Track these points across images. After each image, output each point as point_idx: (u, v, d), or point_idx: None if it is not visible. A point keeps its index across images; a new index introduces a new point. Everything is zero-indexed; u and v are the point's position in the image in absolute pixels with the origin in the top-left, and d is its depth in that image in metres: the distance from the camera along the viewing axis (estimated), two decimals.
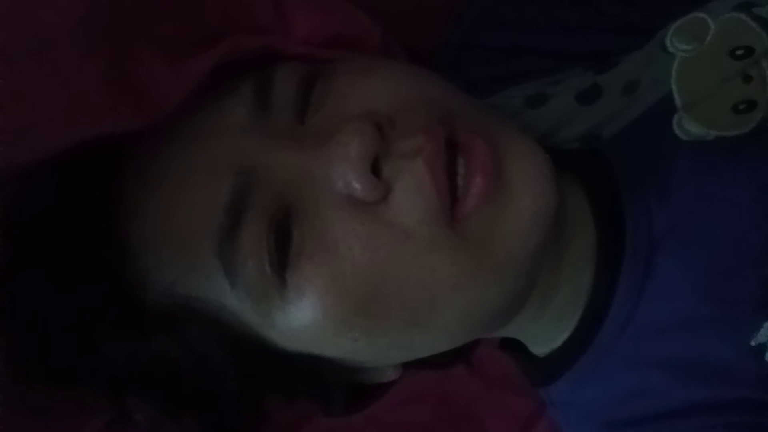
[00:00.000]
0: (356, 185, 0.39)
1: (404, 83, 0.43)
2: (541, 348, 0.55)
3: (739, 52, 0.49)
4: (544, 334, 0.53)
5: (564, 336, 0.52)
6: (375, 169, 0.39)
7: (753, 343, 0.46)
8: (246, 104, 0.42)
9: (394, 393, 0.62)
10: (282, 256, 0.40)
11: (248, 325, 0.43)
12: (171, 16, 0.45)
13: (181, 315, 0.43)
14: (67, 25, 0.40)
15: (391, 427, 0.68)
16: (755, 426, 0.46)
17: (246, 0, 0.49)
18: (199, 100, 0.43)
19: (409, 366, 0.51)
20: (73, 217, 0.42)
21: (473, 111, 0.43)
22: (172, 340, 0.44)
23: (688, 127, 0.49)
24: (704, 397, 0.47)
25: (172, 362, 0.45)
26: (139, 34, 0.43)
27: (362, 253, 0.40)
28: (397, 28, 0.57)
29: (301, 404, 0.54)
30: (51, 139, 0.39)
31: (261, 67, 0.45)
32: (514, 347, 0.57)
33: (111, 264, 0.43)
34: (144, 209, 0.42)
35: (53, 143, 0.39)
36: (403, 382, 0.59)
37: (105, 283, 0.43)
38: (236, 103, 0.43)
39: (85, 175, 0.42)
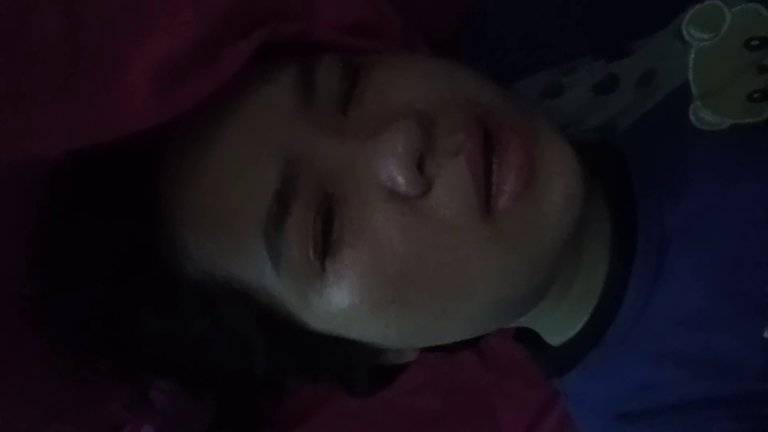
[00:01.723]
0: (401, 180, 0.40)
1: (441, 79, 0.44)
2: (555, 338, 0.56)
3: (754, 43, 0.50)
4: (560, 324, 0.54)
5: (578, 327, 0.53)
6: (418, 165, 0.40)
7: (766, 335, 0.47)
8: (290, 92, 0.43)
9: (407, 380, 0.63)
10: (325, 242, 0.41)
11: (284, 305, 0.45)
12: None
13: (218, 292, 0.45)
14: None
15: (404, 413, 0.69)
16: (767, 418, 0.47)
17: None
18: (238, 83, 0.44)
19: (424, 352, 0.53)
20: (112, 195, 0.44)
21: (505, 104, 0.44)
22: (205, 317, 0.45)
23: (703, 116, 0.50)
24: (716, 391, 0.48)
25: (204, 340, 0.46)
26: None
27: (401, 243, 0.41)
28: (417, 18, 0.58)
29: (320, 385, 0.56)
30: (95, 132, 0.41)
31: (299, 53, 0.46)
32: (527, 337, 0.58)
33: (148, 241, 0.44)
34: (187, 187, 0.44)
35: (97, 135, 0.41)
36: (416, 370, 0.60)
37: (141, 259, 0.44)
38: (281, 89, 0.44)
39: (124, 156, 0.44)
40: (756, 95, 0.49)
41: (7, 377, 0.46)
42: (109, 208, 0.44)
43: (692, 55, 0.51)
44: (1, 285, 0.45)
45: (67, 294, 0.46)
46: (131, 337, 0.47)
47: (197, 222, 0.44)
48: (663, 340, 0.49)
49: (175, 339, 0.47)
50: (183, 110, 0.42)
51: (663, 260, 0.49)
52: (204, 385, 0.51)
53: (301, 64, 0.44)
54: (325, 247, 0.42)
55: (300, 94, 0.43)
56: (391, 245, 0.41)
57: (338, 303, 0.43)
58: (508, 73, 0.57)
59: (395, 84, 0.44)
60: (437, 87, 0.44)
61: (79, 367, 0.48)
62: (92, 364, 0.48)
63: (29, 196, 0.44)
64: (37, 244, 0.45)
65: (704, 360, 0.48)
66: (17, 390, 0.46)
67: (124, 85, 0.41)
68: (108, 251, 0.44)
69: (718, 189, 0.49)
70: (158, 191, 0.45)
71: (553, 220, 0.42)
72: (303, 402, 0.66)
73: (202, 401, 0.52)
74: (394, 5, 0.57)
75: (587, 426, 0.56)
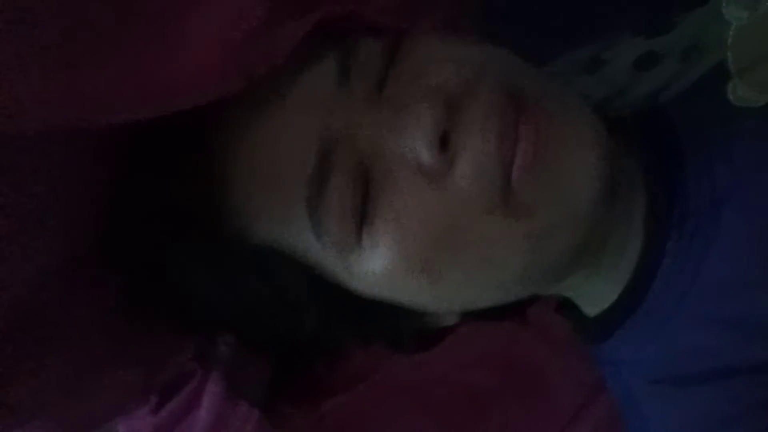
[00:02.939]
0: (425, 156, 0.43)
1: (476, 59, 0.46)
2: (592, 307, 0.56)
3: None
4: (597, 293, 0.55)
5: (614, 295, 0.54)
6: (444, 140, 0.42)
7: None
8: (331, 74, 0.46)
9: (461, 354, 0.66)
10: (361, 212, 0.44)
11: (328, 269, 0.48)
12: None
13: (267, 253, 0.48)
14: None
15: (459, 389, 0.71)
16: None
17: None
18: (285, 64, 0.46)
19: (465, 318, 0.55)
20: (172, 157, 0.48)
21: (537, 84, 0.46)
22: (261, 278, 0.49)
23: (741, 93, 0.50)
24: (761, 356, 0.48)
25: (260, 298, 0.50)
26: None
27: (427, 217, 0.44)
28: None
29: (370, 350, 0.58)
30: (174, 101, 0.44)
31: (342, 35, 0.48)
32: (566, 307, 0.59)
33: (208, 211, 0.48)
34: (239, 165, 0.47)
35: (175, 105, 0.44)
36: (470, 343, 0.62)
37: (203, 228, 0.48)
38: (322, 72, 0.46)
39: (182, 131, 0.47)
40: None
41: (84, 316, 0.51)
42: (169, 170, 0.48)
43: (731, 33, 0.51)
44: (72, 238, 0.49)
45: (129, 250, 0.50)
46: (189, 293, 0.51)
47: (249, 198, 0.47)
48: (713, 305, 0.50)
49: (229, 295, 0.51)
50: (247, 82, 0.45)
51: (710, 226, 0.50)
52: (261, 340, 0.55)
53: (341, 48, 0.47)
54: (362, 216, 0.45)
55: (339, 77, 0.46)
56: (418, 218, 0.44)
57: (374, 268, 0.46)
58: (549, 47, 0.58)
59: (429, 64, 0.46)
60: (471, 63, 0.46)
61: (146, 318, 0.53)
62: (158, 316, 0.53)
63: (96, 153, 0.47)
64: (102, 203, 0.49)
65: (756, 324, 0.48)
66: (92, 328, 0.51)
67: (194, 57, 0.44)
68: (168, 211, 0.48)
69: (755, 158, 0.49)
70: (214, 157, 0.48)
71: (572, 192, 0.44)
72: (354, 369, 0.68)
73: (262, 356, 0.57)
74: None
75: (624, 392, 0.57)
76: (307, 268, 0.49)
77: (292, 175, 0.45)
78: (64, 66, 0.41)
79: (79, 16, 0.41)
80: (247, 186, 0.47)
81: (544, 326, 0.70)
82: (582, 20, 0.59)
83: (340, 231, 0.45)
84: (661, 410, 0.53)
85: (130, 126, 0.46)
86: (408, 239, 0.44)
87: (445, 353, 0.62)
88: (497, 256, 0.45)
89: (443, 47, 0.48)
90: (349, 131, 0.45)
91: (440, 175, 0.43)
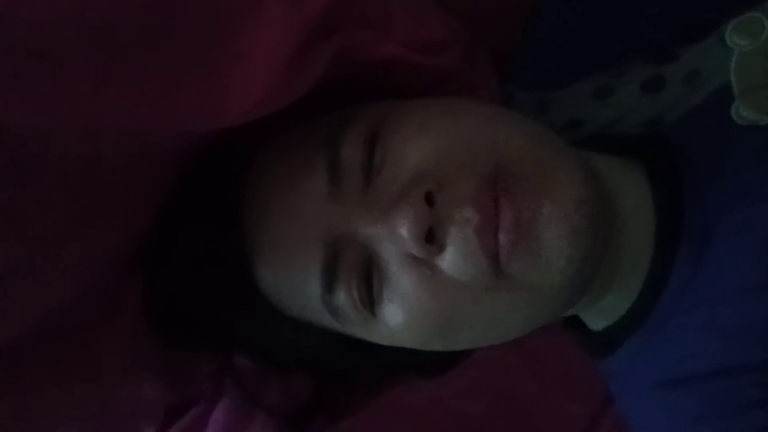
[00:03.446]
0: (414, 251, 0.47)
1: (455, 139, 0.49)
2: (598, 323, 0.59)
3: None
4: (606, 309, 0.57)
5: (622, 310, 0.56)
6: (430, 232, 0.46)
7: None
8: (322, 178, 0.50)
9: (454, 382, 0.67)
10: (370, 299, 0.50)
11: (349, 332, 0.54)
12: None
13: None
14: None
15: (451, 415, 0.72)
16: None
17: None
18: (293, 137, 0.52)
19: None
20: (210, 205, 0.54)
21: (520, 152, 0.48)
22: (284, 324, 0.55)
23: (744, 113, 0.53)
24: (751, 358, 0.50)
25: (280, 335, 0.56)
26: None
27: (429, 300, 0.48)
28: (479, 28, 0.63)
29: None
30: (225, 116, 0.47)
31: (340, 104, 0.53)
32: (572, 323, 0.61)
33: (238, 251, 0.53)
34: (264, 255, 0.53)
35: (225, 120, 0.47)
36: (466, 371, 0.64)
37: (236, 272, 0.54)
38: (315, 176, 0.51)
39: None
40: None
41: (109, 336, 0.53)
42: (212, 221, 0.54)
43: (734, 58, 0.55)
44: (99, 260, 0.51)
45: (165, 280, 0.55)
46: (212, 322, 0.57)
47: (275, 287, 0.54)
48: (707, 314, 0.52)
49: (251, 330, 0.57)
50: (291, 99, 0.49)
51: (707, 241, 0.52)
52: (278, 365, 0.60)
53: (328, 157, 0.51)
54: (371, 301, 0.50)
55: (330, 180, 0.50)
56: (420, 303, 0.49)
57: (391, 333, 0.51)
58: (562, 75, 0.62)
59: (408, 149, 0.49)
60: (450, 147, 0.49)
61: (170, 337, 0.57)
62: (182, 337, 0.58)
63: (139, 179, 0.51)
64: (136, 228, 0.53)
65: (744, 329, 0.50)
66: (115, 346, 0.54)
67: (247, 76, 0.47)
68: (206, 252, 0.54)
69: (761, 174, 0.52)
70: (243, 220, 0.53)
71: (560, 263, 0.47)
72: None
73: (278, 379, 0.61)
74: (459, 17, 0.62)
75: (630, 400, 0.58)
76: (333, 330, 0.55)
77: (307, 276, 0.51)
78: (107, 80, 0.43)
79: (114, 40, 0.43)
80: (273, 277, 0.53)
81: (539, 359, 0.72)
82: (595, 52, 0.63)
83: (356, 316, 0.51)
84: (664, 413, 0.55)
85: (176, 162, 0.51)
86: (417, 317, 0.49)
87: (444, 380, 0.63)
88: (502, 323, 0.50)
89: (420, 130, 0.50)
90: (346, 233, 0.49)
91: (432, 261, 0.47)
